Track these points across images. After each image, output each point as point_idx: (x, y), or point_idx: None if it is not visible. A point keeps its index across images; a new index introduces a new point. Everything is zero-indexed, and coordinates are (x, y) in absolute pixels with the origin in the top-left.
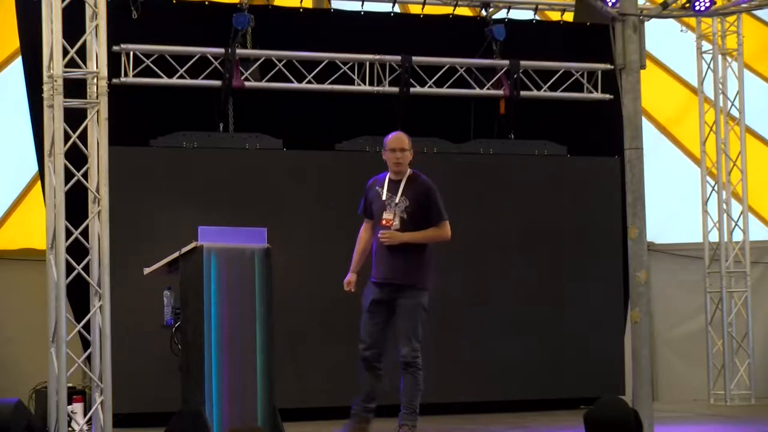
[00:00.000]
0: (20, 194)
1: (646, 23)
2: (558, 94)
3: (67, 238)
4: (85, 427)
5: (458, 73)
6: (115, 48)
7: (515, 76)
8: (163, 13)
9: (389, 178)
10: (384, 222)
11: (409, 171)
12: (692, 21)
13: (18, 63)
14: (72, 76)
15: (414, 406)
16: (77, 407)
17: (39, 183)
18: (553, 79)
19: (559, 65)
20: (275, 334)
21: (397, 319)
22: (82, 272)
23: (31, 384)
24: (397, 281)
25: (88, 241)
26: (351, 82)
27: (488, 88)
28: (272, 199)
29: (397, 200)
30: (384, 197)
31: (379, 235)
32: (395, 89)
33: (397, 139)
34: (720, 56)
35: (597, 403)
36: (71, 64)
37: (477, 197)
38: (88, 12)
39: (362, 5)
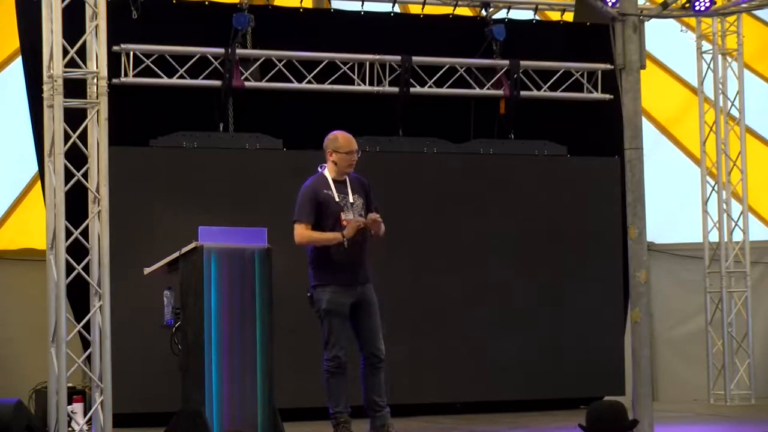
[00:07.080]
0: (20, 194)
1: (646, 23)
2: (558, 94)
3: (67, 238)
4: (85, 427)
5: (458, 73)
6: (115, 48)
7: (515, 76)
8: (163, 13)
9: (333, 179)
10: (345, 223)
11: None
12: (692, 21)
13: (18, 63)
14: (72, 76)
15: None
16: (77, 407)
17: (39, 183)
18: (553, 79)
19: (559, 65)
20: (275, 334)
21: (371, 317)
22: (82, 272)
23: (31, 384)
24: (367, 280)
25: (88, 241)
26: (351, 82)
27: (488, 88)
28: (272, 199)
29: (351, 200)
30: (337, 198)
31: (376, 226)
32: (395, 89)
33: (352, 140)
34: (720, 56)
35: (592, 406)
36: (71, 64)
37: (477, 197)
38: (88, 12)
39: (362, 5)
